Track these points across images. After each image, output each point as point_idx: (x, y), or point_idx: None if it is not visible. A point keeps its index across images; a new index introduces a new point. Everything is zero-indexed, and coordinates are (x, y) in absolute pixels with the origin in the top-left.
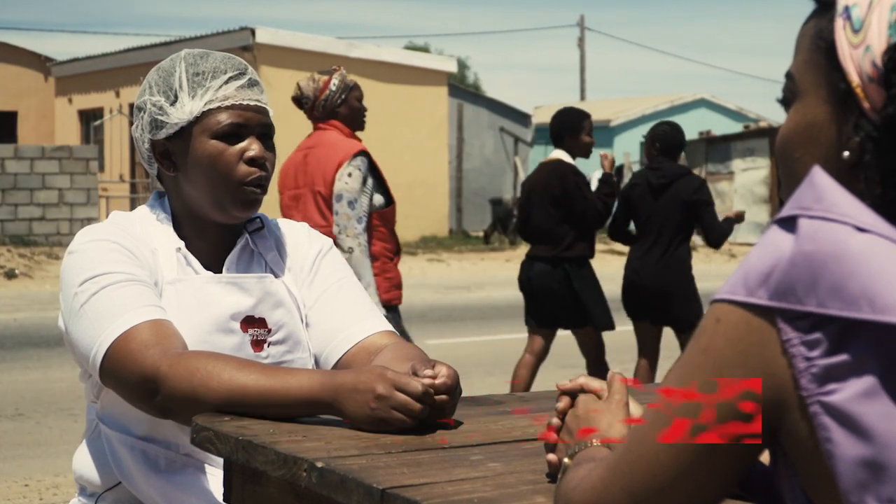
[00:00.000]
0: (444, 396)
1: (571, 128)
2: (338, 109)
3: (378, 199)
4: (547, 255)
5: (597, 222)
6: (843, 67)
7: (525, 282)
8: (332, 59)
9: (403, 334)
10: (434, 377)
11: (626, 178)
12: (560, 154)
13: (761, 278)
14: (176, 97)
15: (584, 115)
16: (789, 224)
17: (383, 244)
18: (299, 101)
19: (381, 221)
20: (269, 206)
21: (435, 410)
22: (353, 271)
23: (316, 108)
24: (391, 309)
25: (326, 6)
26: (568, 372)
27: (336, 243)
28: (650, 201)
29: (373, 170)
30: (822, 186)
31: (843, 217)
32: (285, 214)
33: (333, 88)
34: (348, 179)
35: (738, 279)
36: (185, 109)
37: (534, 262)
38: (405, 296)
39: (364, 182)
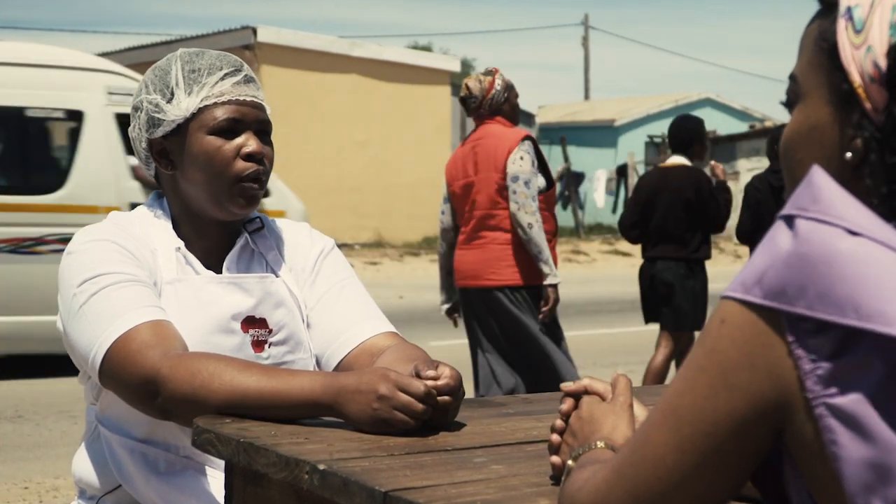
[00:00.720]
0: (447, 398)
1: (699, 136)
2: (502, 107)
3: (540, 181)
4: (676, 255)
5: (722, 226)
6: (845, 68)
7: (649, 281)
8: (334, 59)
9: (555, 316)
10: (437, 378)
11: (632, 178)
12: (683, 160)
13: (757, 277)
14: (172, 94)
15: (703, 122)
16: (790, 223)
17: (544, 225)
18: (466, 101)
19: (543, 204)
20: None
21: (438, 412)
22: (533, 244)
23: (483, 106)
24: (540, 287)
25: (328, 5)
26: None
27: (516, 220)
28: (773, 205)
29: (537, 154)
30: (818, 187)
31: (836, 219)
32: (456, 204)
33: (498, 88)
34: (521, 162)
35: (739, 277)
36: (182, 106)
37: (656, 262)
38: (408, 296)
39: (533, 164)
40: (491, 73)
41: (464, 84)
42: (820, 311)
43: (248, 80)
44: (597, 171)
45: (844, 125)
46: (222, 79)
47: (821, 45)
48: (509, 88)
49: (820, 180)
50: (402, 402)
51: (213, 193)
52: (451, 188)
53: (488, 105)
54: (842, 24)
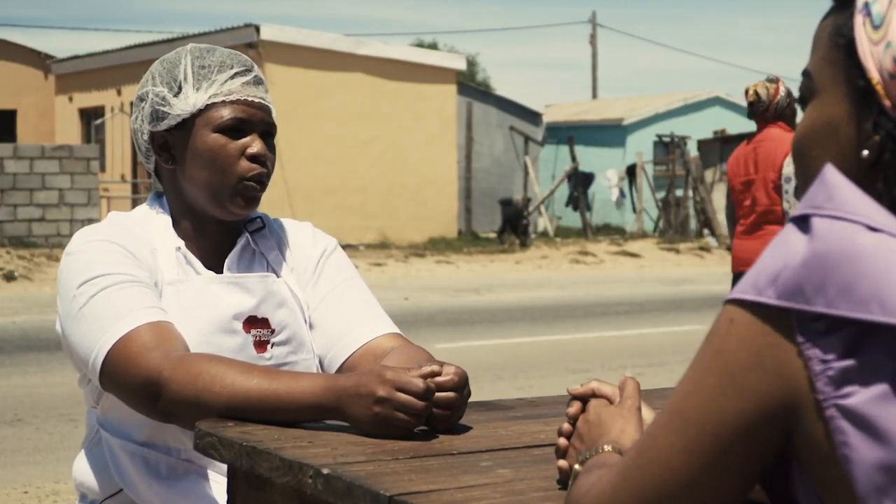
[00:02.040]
0: (450, 394)
1: None
2: (784, 111)
3: None
4: None
5: None
6: (862, 64)
7: None
8: (338, 57)
9: None
10: (439, 374)
11: (641, 178)
12: None
13: (771, 278)
14: (180, 88)
15: None
16: (802, 223)
17: None
18: (754, 104)
19: None
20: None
21: (442, 410)
22: None
23: (769, 110)
24: None
25: (333, 2)
26: (578, 376)
27: (786, 218)
28: None
29: None
30: (833, 184)
31: (855, 215)
32: (735, 198)
33: (782, 94)
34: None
35: (749, 279)
36: (189, 101)
37: None
38: (413, 298)
39: None
40: (774, 80)
41: (752, 89)
42: (841, 307)
43: (257, 82)
44: (607, 171)
45: (861, 122)
46: (232, 77)
47: (836, 41)
48: (790, 95)
49: (834, 178)
50: (401, 402)
51: (214, 192)
52: (732, 183)
53: (773, 109)
54: (859, 19)
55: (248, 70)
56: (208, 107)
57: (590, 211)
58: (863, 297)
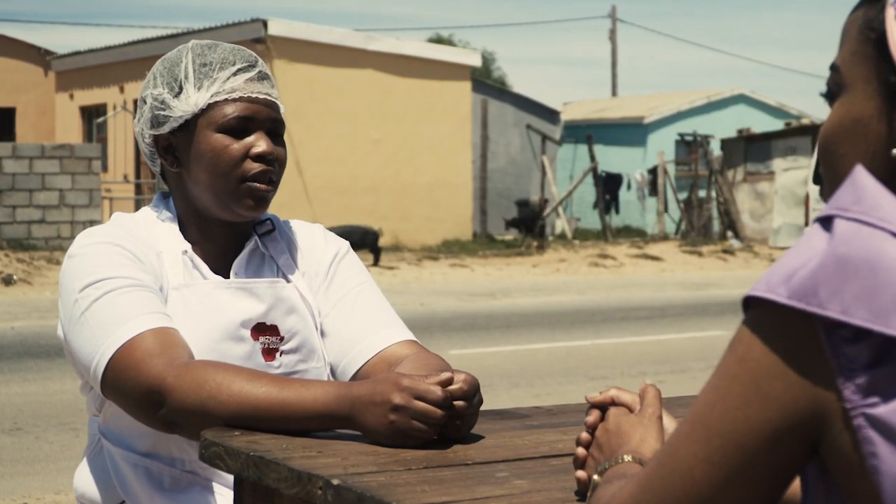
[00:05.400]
0: (461, 402)
1: None
2: None
3: None
4: None
5: None
6: (894, 59)
7: None
8: (348, 53)
9: None
10: (450, 382)
11: (662, 179)
12: None
13: (785, 276)
14: (181, 88)
15: None
16: (827, 224)
17: None
18: None
19: None
20: None
21: (453, 420)
22: None
23: None
24: None
25: None
26: (597, 384)
27: None
28: None
29: None
30: (862, 186)
31: (882, 221)
32: None
33: None
34: None
35: (765, 276)
36: (191, 101)
37: None
38: (427, 302)
39: None
40: None
41: None
42: (857, 316)
43: (262, 77)
44: (635, 172)
45: (892, 120)
46: (235, 74)
47: (867, 35)
48: None
49: (864, 180)
50: (419, 411)
51: (218, 194)
52: None
53: None
54: (891, 12)
55: (252, 66)
56: (210, 106)
57: (618, 213)
58: (883, 308)
